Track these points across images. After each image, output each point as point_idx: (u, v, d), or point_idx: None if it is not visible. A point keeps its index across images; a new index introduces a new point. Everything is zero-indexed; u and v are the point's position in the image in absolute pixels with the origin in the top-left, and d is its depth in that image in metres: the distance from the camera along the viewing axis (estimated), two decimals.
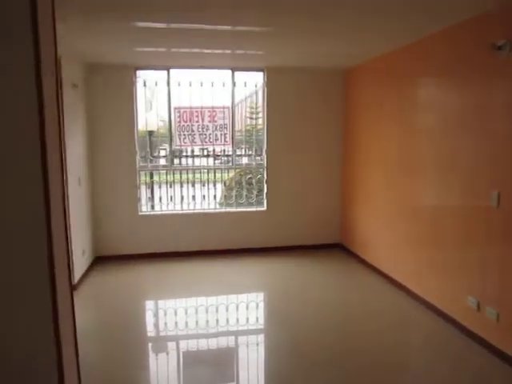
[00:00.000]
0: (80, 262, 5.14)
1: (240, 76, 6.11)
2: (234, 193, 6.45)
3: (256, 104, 6.76)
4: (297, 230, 6.48)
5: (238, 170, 6.57)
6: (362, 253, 5.87)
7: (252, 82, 6.19)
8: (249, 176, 6.52)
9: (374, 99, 5.48)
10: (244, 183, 6.46)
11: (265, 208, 6.41)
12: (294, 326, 4.03)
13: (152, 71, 5.92)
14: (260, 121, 6.53)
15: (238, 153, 6.44)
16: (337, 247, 6.60)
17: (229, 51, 5.02)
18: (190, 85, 5.99)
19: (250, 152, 6.42)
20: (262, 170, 6.43)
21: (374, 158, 5.51)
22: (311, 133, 6.35)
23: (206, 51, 4.94)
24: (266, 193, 6.37)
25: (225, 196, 6.59)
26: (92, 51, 4.98)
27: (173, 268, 5.73)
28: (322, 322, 4.10)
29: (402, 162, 4.80)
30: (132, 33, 4.17)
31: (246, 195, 6.43)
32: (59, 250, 1.51)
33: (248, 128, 6.58)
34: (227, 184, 6.74)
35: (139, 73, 5.89)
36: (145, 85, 5.92)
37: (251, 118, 7.03)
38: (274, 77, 6.11)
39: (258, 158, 6.43)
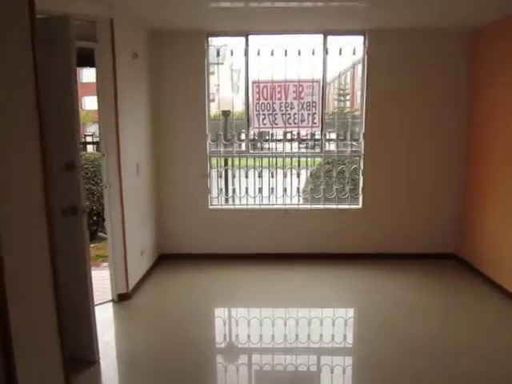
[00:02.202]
0: (138, 263, 4.39)
1: (334, 42, 4.91)
2: (322, 186, 5.31)
3: (349, 82, 5.57)
4: (399, 234, 5.18)
5: (327, 159, 5.41)
6: (488, 269, 4.44)
7: (349, 50, 4.95)
8: (341, 166, 5.33)
9: None
10: (335, 174, 5.28)
11: (360, 206, 5.20)
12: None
13: (227, 38, 4.94)
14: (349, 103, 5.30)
15: (329, 137, 5.27)
16: (450, 258, 5.19)
17: (321, 3, 3.85)
18: (272, 54, 4.92)
19: (343, 137, 5.22)
20: (357, 158, 5.21)
21: None
22: (424, 116, 4.97)
23: (292, 4, 3.83)
24: (362, 187, 5.14)
25: (310, 189, 5.49)
26: (154, 13, 4.12)
27: (248, 272, 4.79)
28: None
29: None
30: None
31: (337, 189, 5.25)
32: None
33: (340, 110, 5.38)
34: (313, 173, 5.61)
35: (212, 40, 4.94)
36: (218, 54, 4.97)
37: (339, 100, 5.83)
38: (378, 42, 4.82)
39: (355, 143, 5.21)
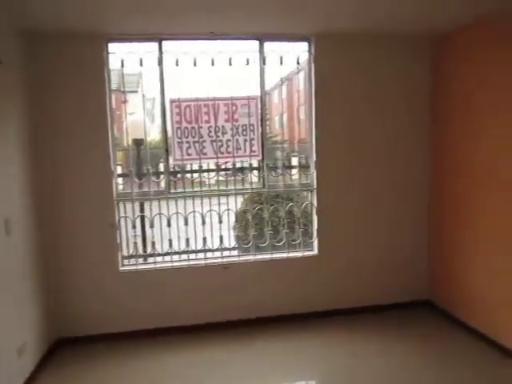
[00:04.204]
0: (14, 368, 2.93)
1: (273, 48, 3.90)
2: (266, 230, 4.20)
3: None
4: (364, 283, 4.20)
5: (249, 196, 4.34)
6: (473, 317, 3.56)
7: (291, 58, 3.97)
8: (289, 203, 4.27)
9: (485, 83, 3.23)
10: (284, 214, 4.21)
11: (315, 252, 4.15)
12: None
13: (133, 44, 3.73)
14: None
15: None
16: (424, 307, 4.29)
17: None
18: (195, 64, 3.80)
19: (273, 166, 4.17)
20: (309, 193, 4.20)
21: (491, 172, 3.26)
22: (384, 135, 4.10)
23: None
24: (317, 229, 4.11)
25: (237, 237, 4.42)
26: (30, 7, 2.84)
27: (181, 353, 3.49)
28: None
29: None
30: None
31: (286, 233, 4.17)
32: None
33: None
34: (239, 218, 4.53)
35: (113, 47, 3.71)
36: (122, 65, 3.73)
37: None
38: (325, 49, 3.89)
39: (294, 173, 4.20)
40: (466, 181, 3.71)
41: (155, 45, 3.71)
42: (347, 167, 4.05)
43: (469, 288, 3.72)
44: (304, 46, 3.92)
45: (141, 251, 4.00)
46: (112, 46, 3.66)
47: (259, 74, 3.90)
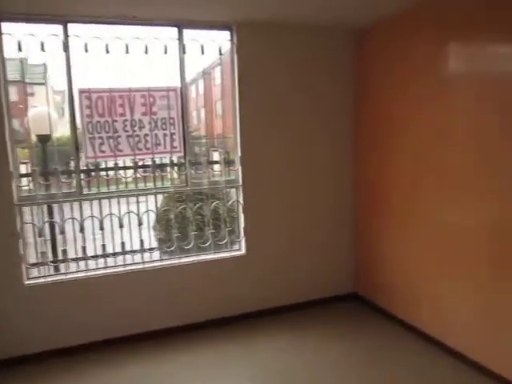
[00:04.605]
0: None
1: (193, 37, 3.65)
2: (190, 230, 3.96)
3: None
4: (293, 279, 4.12)
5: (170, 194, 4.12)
6: (396, 307, 3.65)
7: (213, 48, 3.74)
8: (214, 201, 4.06)
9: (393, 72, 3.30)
10: (209, 213, 3.99)
11: (243, 251, 3.99)
12: None
13: (33, 25, 3.26)
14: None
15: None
16: (352, 299, 4.33)
17: None
18: (107, 51, 3.43)
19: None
20: (235, 189, 4.02)
21: (409, 158, 3.34)
22: (311, 127, 4.04)
23: None
24: (245, 227, 3.95)
25: (159, 239, 4.15)
26: None
27: (100, 373, 3.14)
28: None
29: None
30: None
31: (212, 233, 3.96)
32: None
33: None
34: (160, 219, 4.25)
35: (6, 27, 3.21)
36: (20, 49, 3.25)
37: None
38: (248, 39, 3.72)
39: (216, 170, 4.02)
40: (387, 169, 3.77)
41: (60, 27, 3.27)
42: (274, 162, 3.93)
43: (391, 278, 3.80)
44: (226, 34, 3.71)
45: (50, 261, 3.55)
46: (6, 26, 3.17)
47: (179, 64, 3.63)
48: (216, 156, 4.18)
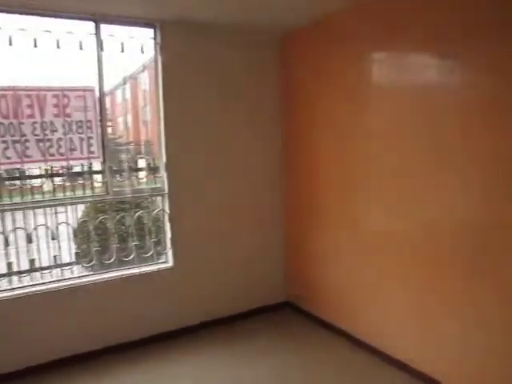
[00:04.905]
0: None
1: (112, 33, 3.36)
2: (111, 243, 3.63)
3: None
4: (225, 291, 3.93)
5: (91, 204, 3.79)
6: (328, 313, 3.62)
7: (135, 45, 3.47)
8: (137, 211, 3.77)
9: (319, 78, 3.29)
10: (133, 224, 3.69)
11: (170, 264, 3.74)
12: None
13: None
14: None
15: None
16: (285, 308, 4.23)
17: None
18: (11, 43, 3.03)
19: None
20: (161, 198, 3.76)
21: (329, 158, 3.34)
22: (238, 132, 3.90)
23: None
24: (171, 237, 3.70)
25: (77, 254, 3.75)
26: None
27: None
28: None
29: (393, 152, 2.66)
30: None
31: (136, 245, 3.66)
32: None
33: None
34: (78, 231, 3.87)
35: None
36: None
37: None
38: (173, 38, 3.50)
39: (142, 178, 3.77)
40: (315, 174, 3.74)
41: None
42: (201, 168, 3.73)
43: (323, 285, 3.76)
44: (150, 32, 3.47)
45: None
46: None
47: (97, 62, 3.31)
48: (142, 163, 3.91)
